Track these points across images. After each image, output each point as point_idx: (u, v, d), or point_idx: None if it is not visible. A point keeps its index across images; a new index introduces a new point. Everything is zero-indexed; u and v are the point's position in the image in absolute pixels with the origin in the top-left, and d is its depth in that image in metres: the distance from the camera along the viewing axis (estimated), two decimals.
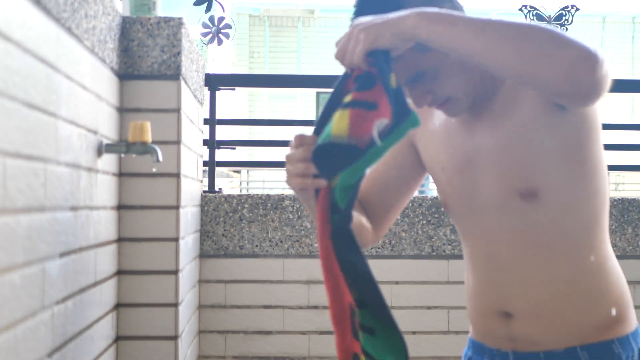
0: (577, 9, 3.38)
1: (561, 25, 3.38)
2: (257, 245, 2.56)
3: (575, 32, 1.15)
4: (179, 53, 1.90)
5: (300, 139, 1.21)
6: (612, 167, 3.48)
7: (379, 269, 2.58)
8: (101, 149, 1.60)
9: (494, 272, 1.36)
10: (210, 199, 2.55)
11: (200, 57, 2.36)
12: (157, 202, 1.89)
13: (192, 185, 2.22)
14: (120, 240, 1.87)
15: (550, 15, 3.40)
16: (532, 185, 1.29)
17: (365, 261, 1.21)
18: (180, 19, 1.92)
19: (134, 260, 1.88)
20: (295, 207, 2.57)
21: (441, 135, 1.41)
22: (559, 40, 1.08)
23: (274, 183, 10.59)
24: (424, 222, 2.60)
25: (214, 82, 2.74)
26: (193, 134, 2.20)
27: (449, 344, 2.58)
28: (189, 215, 2.16)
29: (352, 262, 1.21)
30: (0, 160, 1.01)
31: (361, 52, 1.13)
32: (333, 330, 1.18)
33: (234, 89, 2.88)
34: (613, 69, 1.12)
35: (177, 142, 1.91)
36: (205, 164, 2.74)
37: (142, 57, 1.88)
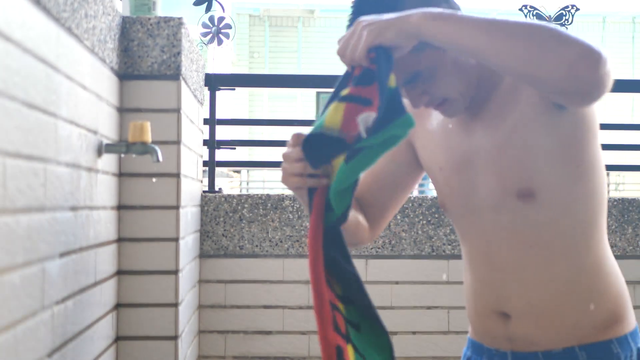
0: (577, 9, 3.38)
1: (561, 25, 3.39)
2: (257, 245, 2.56)
3: (575, 32, 1.14)
4: (179, 53, 1.90)
5: (297, 137, 1.21)
6: (612, 167, 3.48)
7: (379, 269, 2.58)
8: (101, 149, 1.60)
9: (492, 272, 1.37)
10: (210, 199, 2.55)
11: (200, 57, 2.36)
12: (157, 202, 1.89)
13: (192, 185, 2.22)
14: (120, 240, 1.87)
15: (550, 15, 3.40)
16: (529, 185, 1.29)
17: (351, 262, 1.22)
18: (180, 18, 1.92)
19: (134, 260, 1.88)
20: (295, 207, 2.57)
21: (439, 135, 1.41)
22: (562, 38, 1.09)
23: (274, 183, 10.59)
24: (424, 222, 2.60)
25: (214, 82, 2.74)
26: (193, 134, 2.20)
27: (449, 344, 2.58)
28: (189, 215, 2.16)
29: (339, 263, 1.21)
30: (0, 160, 1.01)
31: (364, 47, 1.13)
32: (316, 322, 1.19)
33: (234, 89, 2.88)
34: (613, 69, 1.13)
35: (177, 142, 1.91)
36: (205, 164, 2.74)
37: (142, 57, 1.88)
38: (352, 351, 1.21)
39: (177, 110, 1.91)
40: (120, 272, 1.87)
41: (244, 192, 10.89)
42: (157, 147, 1.60)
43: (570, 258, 1.31)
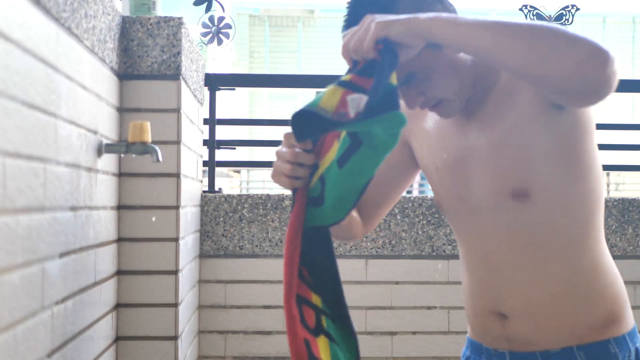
0: (578, 9, 3.38)
1: (561, 25, 3.39)
2: (257, 245, 2.56)
3: (575, 32, 1.15)
4: (178, 53, 1.90)
5: (290, 138, 1.23)
6: (612, 167, 3.48)
7: (379, 269, 2.58)
8: (101, 149, 1.60)
9: (489, 272, 1.37)
10: (210, 199, 2.55)
11: (200, 57, 2.36)
12: (157, 202, 1.89)
13: (192, 185, 2.22)
14: (120, 240, 1.87)
15: (550, 15, 3.40)
16: (524, 185, 1.29)
17: (334, 261, 1.26)
18: (180, 18, 1.92)
19: (134, 260, 1.88)
20: None
21: (435, 135, 1.41)
22: (569, 38, 1.09)
23: (274, 183, 10.57)
24: (424, 222, 2.60)
25: (214, 82, 2.74)
26: (193, 134, 2.20)
27: (449, 344, 2.57)
28: (188, 215, 2.16)
29: (319, 261, 1.25)
30: (0, 160, 1.01)
31: (372, 38, 1.13)
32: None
33: (234, 89, 2.88)
34: (619, 69, 1.13)
35: (177, 142, 1.91)
36: (205, 164, 2.74)
37: (142, 57, 1.88)
38: (326, 341, 1.24)
39: (177, 110, 1.91)
40: (120, 272, 1.87)
41: (244, 192, 10.89)
42: (157, 147, 1.60)
43: (567, 258, 1.31)
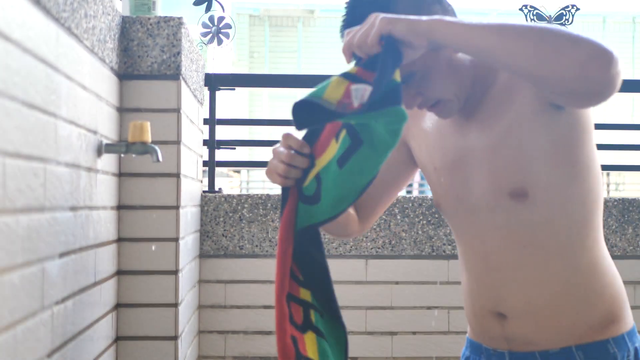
0: (578, 9, 3.38)
1: (561, 25, 3.38)
2: (257, 245, 2.56)
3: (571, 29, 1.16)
4: (178, 53, 1.90)
5: (287, 139, 1.25)
6: (612, 167, 3.48)
7: (379, 269, 2.58)
8: (101, 149, 1.60)
9: (487, 272, 1.37)
10: (210, 199, 2.55)
11: (200, 57, 2.36)
12: (157, 202, 1.89)
13: (192, 185, 2.22)
14: (120, 240, 1.87)
15: (550, 15, 3.40)
16: (523, 185, 1.29)
17: (324, 257, 1.29)
18: (180, 18, 1.92)
19: (133, 260, 1.88)
20: None
21: (433, 135, 1.41)
22: (573, 39, 1.09)
23: (274, 183, 10.57)
24: (424, 222, 2.60)
25: (214, 82, 2.74)
26: (193, 134, 2.19)
27: (449, 344, 2.57)
28: (188, 215, 2.16)
29: (311, 255, 1.27)
30: (0, 160, 1.01)
31: (376, 33, 1.13)
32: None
33: (234, 89, 2.88)
34: (623, 69, 1.13)
35: (177, 142, 1.91)
36: (205, 164, 2.74)
37: (142, 57, 1.88)
38: (313, 336, 1.26)
39: (177, 110, 1.91)
40: (120, 272, 1.87)
41: (244, 192, 10.89)
42: (157, 147, 1.60)
43: (565, 258, 1.31)
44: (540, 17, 3.41)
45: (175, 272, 1.92)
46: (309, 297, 1.28)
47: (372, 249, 2.58)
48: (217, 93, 2.76)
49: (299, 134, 1.30)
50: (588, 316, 1.32)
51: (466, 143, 1.35)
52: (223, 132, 3.21)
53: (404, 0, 1.27)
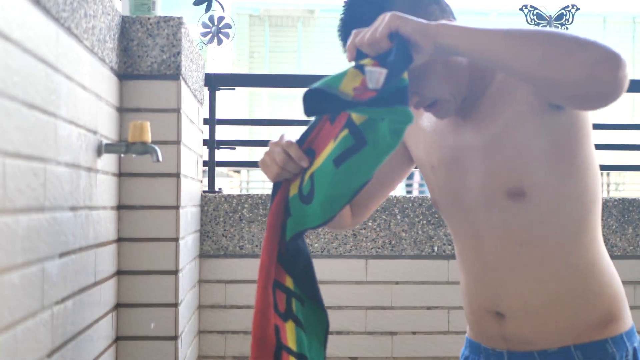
0: (578, 9, 3.37)
1: (561, 25, 3.38)
2: (257, 245, 2.56)
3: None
4: (178, 53, 1.90)
5: (289, 147, 1.27)
6: (612, 167, 3.47)
7: (379, 269, 2.58)
8: (101, 149, 1.60)
9: (485, 272, 1.37)
10: (210, 199, 2.55)
11: (200, 57, 2.36)
12: (157, 202, 1.89)
13: (192, 185, 2.22)
14: (120, 240, 1.87)
15: (550, 15, 3.40)
16: (520, 184, 1.29)
17: (305, 244, 1.33)
18: (180, 18, 1.92)
19: (134, 260, 1.88)
20: None
21: (431, 134, 1.42)
22: (581, 42, 1.09)
23: None
24: (424, 222, 2.60)
25: (214, 82, 2.74)
26: (193, 134, 2.19)
27: (449, 344, 2.57)
28: (188, 215, 2.16)
29: (297, 247, 1.30)
30: (0, 160, 1.01)
31: (385, 28, 1.13)
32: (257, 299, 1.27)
33: (234, 89, 2.88)
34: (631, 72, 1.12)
35: (177, 142, 1.91)
36: (205, 164, 2.74)
37: (142, 57, 1.88)
38: (293, 326, 1.27)
39: (177, 110, 1.91)
40: (120, 272, 1.87)
41: (244, 192, 10.89)
42: (157, 147, 1.60)
43: (563, 257, 1.31)
44: (540, 17, 3.41)
45: (175, 272, 1.92)
46: (292, 285, 1.29)
47: (372, 249, 2.58)
48: (217, 93, 2.76)
49: (299, 134, 1.31)
50: (586, 316, 1.32)
51: (463, 142, 1.35)
52: (223, 132, 3.21)
53: (400, 0, 1.27)
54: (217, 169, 2.90)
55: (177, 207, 1.91)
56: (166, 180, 1.90)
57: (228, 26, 3.12)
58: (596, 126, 2.83)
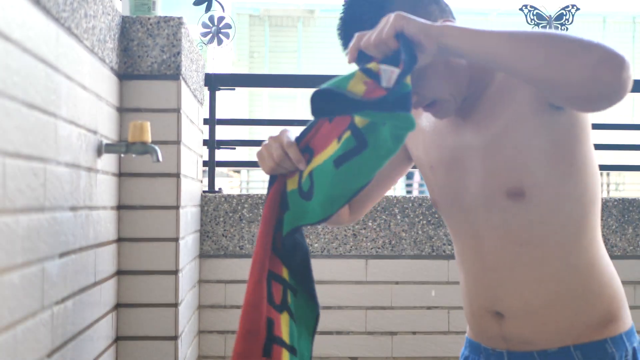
0: (578, 9, 3.37)
1: (561, 25, 3.38)
2: None
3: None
4: (178, 53, 1.90)
5: (289, 148, 1.28)
6: (612, 167, 3.47)
7: (379, 269, 2.58)
8: (101, 149, 1.60)
9: (484, 272, 1.37)
10: (210, 199, 2.55)
11: (200, 57, 2.36)
12: (157, 202, 1.89)
13: (192, 185, 2.22)
14: (120, 240, 1.87)
15: (550, 15, 3.40)
16: (519, 184, 1.29)
17: (303, 238, 1.34)
18: (180, 18, 1.92)
19: (134, 260, 1.88)
20: None
21: (430, 134, 1.42)
22: (584, 43, 1.09)
23: None
24: (424, 222, 2.59)
25: (214, 82, 2.74)
26: (193, 134, 2.19)
27: (449, 344, 2.57)
28: (188, 215, 2.16)
29: (294, 241, 1.31)
30: (0, 160, 1.01)
31: (391, 28, 1.13)
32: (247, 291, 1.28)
33: (234, 89, 2.88)
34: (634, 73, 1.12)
35: (177, 142, 1.91)
36: (205, 164, 2.74)
37: (142, 57, 1.88)
38: (287, 317, 1.28)
39: (177, 110, 1.91)
40: (120, 272, 1.87)
41: (244, 192, 10.89)
42: (157, 147, 1.60)
43: (562, 257, 1.31)
44: (540, 17, 3.41)
45: (175, 272, 1.92)
46: (287, 276, 1.30)
47: (372, 249, 2.58)
48: (217, 93, 2.76)
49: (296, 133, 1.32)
50: (586, 316, 1.32)
51: (462, 142, 1.35)
52: (223, 132, 3.21)
53: (400, 0, 1.27)
54: (217, 169, 2.90)
55: (177, 207, 1.91)
56: (166, 180, 1.90)
57: (228, 26, 3.12)
58: (596, 126, 2.83)
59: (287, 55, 15.01)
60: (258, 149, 1.35)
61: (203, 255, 2.54)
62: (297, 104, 14.00)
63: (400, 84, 1.08)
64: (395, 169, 1.54)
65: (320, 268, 2.55)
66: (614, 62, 1.07)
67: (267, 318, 1.25)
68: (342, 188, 1.21)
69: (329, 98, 1.10)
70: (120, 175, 1.86)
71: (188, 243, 2.17)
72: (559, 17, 3.41)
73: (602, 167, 2.80)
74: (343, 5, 1.31)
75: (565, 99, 1.16)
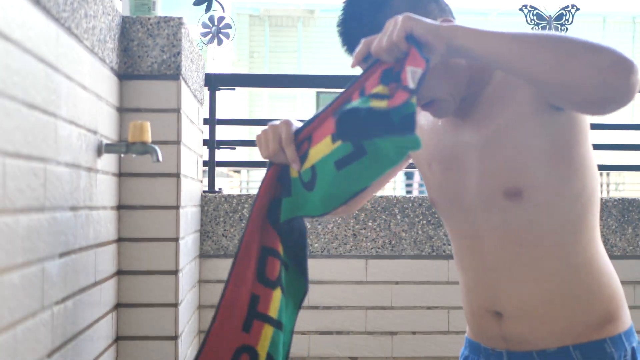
0: (578, 9, 3.37)
1: (561, 25, 3.38)
2: None
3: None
4: (178, 53, 1.90)
5: (288, 146, 1.27)
6: (612, 167, 3.48)
7: (379, 269, 2.58)
8: (101, 149, 1.60)
9: (484, 271, 1.37)
10: (210, 199, 2.55)
11: (200, 57, 2.36)
12: (157, 202, 1.89)
13: (192, 185, 2.22)
14: (120, 240, 1.87)
15: (550, 15, 3.40)
16: (517, 184, 1.29)
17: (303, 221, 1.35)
18: (180, 18, 1.92)
19: (134, 260, 1.88)
20: None
21: (429, 133, 1.42)
22: (592, 47, 1.08)
23: None
24: (424, 222, 2.60)
25: (214, 82, 2.74)
26: (193, 134, 2.20)
27: (449, 344, 2.58)
28: (189, 215, 2.16)
29: (291, 227, 1.32)
30: (0, 160, 1.01)
31: (401, 29, 1.12)
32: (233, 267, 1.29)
33: (234, 89, 2.88)
34: None
35: (177, 142, 1.91)
36: (205, 164, 2.74)
37: (142, 57, 1.88)
38: (279, 293, 1.29)
39: (177, 110, 1.91)
40: (120, 272, 1.87)
41: (244, 192, 10.90)
42: (157, 147, 1.60)
43: (560, 257, 1.32)
44: (540, 17, 3.41)
45: (175, 272, 1.92)
46: (282, 251, 1.31)
47: (372, 249, 2.58)
48: (217, 93, 2.76)
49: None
50: (585, 315, 1.32)
51: (461, 142, 1.35)
52: (223, 132, 3.21)
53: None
54: (217, 169, 2.90)
55: (177, 207, 1.91)
56: (166, 180, 1.90)
57: (228, 26, 3.12)
58: (596, 126, 2.84)
59: (287, 55, 15.01)
60: (258, 149, 1.35)
61: (203, 255, 2.54)
62: (297, 104, 14.01)
63: (407, 103, 1.07)
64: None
65: (320, 268, 2.55)
66: (623, 66, 1.07)
67: (251, 293, 1.26)
68: (342, 189, 1.22)
69: (355, 118, 1.09)
70: (120, 175, 1.86)
71: (188, 243, 2.17)
72: (559, 17, 3.41)
73: (602, 167, 2.80)
74: (343, 3, 1.32)
75: (574, 102, 1.16)
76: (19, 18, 1.08)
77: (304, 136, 1.28)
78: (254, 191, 11.23)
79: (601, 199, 2.56)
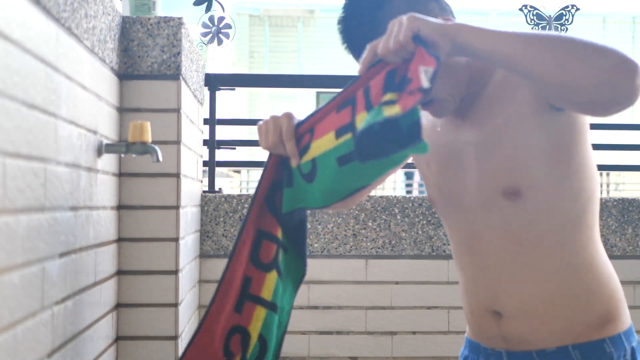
0: (578, 9, 3.37)
1: (561, 25, 3.38)
2: None
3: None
4: (179, 53, 1.90)
5: (288, 142, 1.27)
6: (612, 167, 3.48)
7: (379, 269, 2.58)
8: (101, 149, 1.60)
9: (483, 271, 1.37)
10: (210, 199, 2.55)
11: (200, 57, 2.36)
12: (157, 202, 1.89)
13: (192, 185, 2.22)
14: (120, 240, 1.87)
15: (550, 15, 3.40)
16: (516, 184, 1.29)
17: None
18: (180, 18, 1.92)
19: (134, 260, 1.88)
20: None
21: (428, 132, 1.41)
22: (598, 48, 1.08)
23: None
24: (424, 222, 2.60)
25: (214, 82, 2.74)
26: (193, 134, 2.20)
27: (449, 344, 2.58)
28: (189, 215, 2.16)
29: (292, 217, 1.33)
30: (0, 160, 1.01)
31: (408, 30, 1.11)
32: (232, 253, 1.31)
33: (234, 89, 2.88)
34: None
35: (177, 142, 1.91)
36: (205, 164, 2.74)
37: (142, 57, 1.88)
38: (274, 276, 1.30)
39: (177, 110, 1.91)
40: (120, 272, 1.87)
41: (244, 192, 10.89)
42: (157, 147, 1.60)
43: (559, 256, 1.31)
44: (540, 17, 3.41)
45: (175, 272, 1.92)
46: (281, 234, 1.32)
47: (372, 249, 2.58)
48: (217, 93, 2.77)
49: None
50: (584, 315, 1.32)
51: (460, 141, 1.35)
52: (223, 132, 3.21)
53: None
54: (217, 169, 2.90)
55: (177, 207, 1.91)
56: (166, 180, 1.90)
57: (228, 26, 3.12)
58: (596, 126, 2.84)
59: (287, 55, 15.01)
60: (258, 149, 1.35)
61: (203, 255, 2.54)
62: (297, 104, 14.01)
63: (414, 110, 1.07)
64: None
65: (320, 268, 2.55)
66: (627, 67, 1.07)
67: (244, 275, 1.27)
68: (343, 185, 1.22)
69: (372, 136, 1.08)
70: (121, 175, 1.86)
71: (188, 243, 2.17)
72: (559, 17, 3.41)
73: (602, 167, 2.81)
74: (344, 2, 1.32)
75: (577, 102, 1.15)
76: (19, 18, 1.08)
77: (305, 129, 1.28)
78: (254, 191, 11.22)
79: (601, 199, 2.56)
